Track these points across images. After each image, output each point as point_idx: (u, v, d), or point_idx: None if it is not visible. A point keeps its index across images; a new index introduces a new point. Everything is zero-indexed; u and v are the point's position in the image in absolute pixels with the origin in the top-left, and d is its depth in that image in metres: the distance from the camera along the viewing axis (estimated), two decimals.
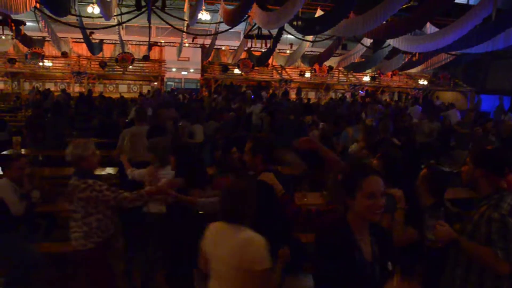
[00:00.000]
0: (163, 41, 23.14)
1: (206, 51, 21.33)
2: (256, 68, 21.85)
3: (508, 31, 10.02)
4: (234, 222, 2.59)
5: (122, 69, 21.03)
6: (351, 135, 7.45)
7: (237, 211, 2.59)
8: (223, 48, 23.39)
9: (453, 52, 14.43)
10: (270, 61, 21.40)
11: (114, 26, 14.65)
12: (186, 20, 14.17)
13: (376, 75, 23.45)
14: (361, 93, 22.98)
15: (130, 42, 22.33)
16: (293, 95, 21.37)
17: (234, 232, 2.55)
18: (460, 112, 15.23)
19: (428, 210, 2.95)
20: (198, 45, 22.08)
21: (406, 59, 18.34)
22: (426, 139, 9.92)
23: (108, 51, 22.33)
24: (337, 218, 2.16)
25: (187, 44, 21.92)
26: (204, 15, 14.35)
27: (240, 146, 6.55)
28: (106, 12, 11.21)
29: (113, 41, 21.46)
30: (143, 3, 10.65)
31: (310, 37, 17.25)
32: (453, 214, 3.16)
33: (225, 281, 2.56)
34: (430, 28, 13.24)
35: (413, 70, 21.50)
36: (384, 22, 11.24)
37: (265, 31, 15.10)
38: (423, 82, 23.98)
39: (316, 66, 21.44)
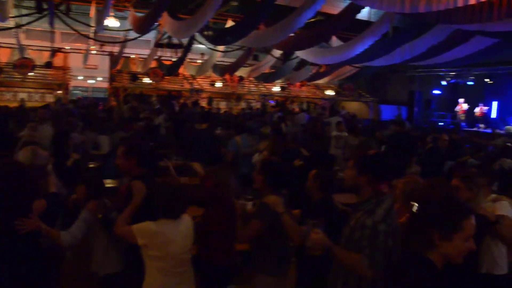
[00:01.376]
0: (68, 47, 21.92)
1: (114, 59, 20.56)
2: (166, 77, 21.49)
3: (403, 47, 10.82)
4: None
5: (21, 76, 19.57)
6: (239, 143, 7.83)
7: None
8: (133, 56, 22.71)
9: (357, 65, 15.30)
10: (180, 70, 21.17)
11: (10, 28, 13.58)
12: (92, 26, 13.56)
13: (285, 86, 24.13)
14: (271, 102, 23.51)
15: (30, 47, 20.79)
16: (203, 105, 21.31)
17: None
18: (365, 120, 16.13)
19: (311, 214, 3.03)
20: (106, 53, 21.21)
21: (314, 71, 19.13)
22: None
23: (4, 56, 20.63)
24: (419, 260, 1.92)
25: (94, 52, 20.95)
26: (112, 22, 13.84)
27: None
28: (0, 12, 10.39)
29: (11, 45, 19.85)
30: (44, 6, 10.03)
31: (221, 47, 17.36)
32: (338, 213, 3.49)
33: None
34: (335, 41, 13.93)
35: (320, 81, 22.49)
36: (292, 34, 11.62)
37: (175, 40, 14.95)
38: (330, 92, 25.09)
39: (227, 76, 21.58)
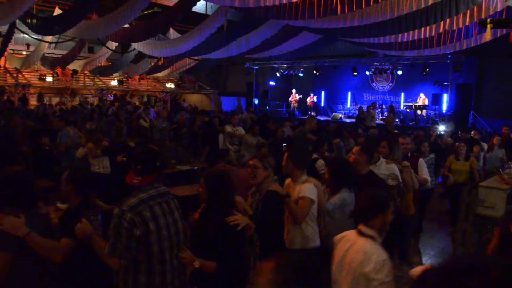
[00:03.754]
0: None
1: None
2: None
3: (239, 40, 11.21)
4: None
5: None
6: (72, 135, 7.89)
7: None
8: None
9: (195, 57, 15.39)
10: (1, 63, 18.89)
11: None
12: None
13: (124, 79, 23.21)
14: (110, 97, 22.40)
15: None
16: (33, 101, 19.41)
17: None
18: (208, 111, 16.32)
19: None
20: None
21: (153, 63, 18.74)
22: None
23: None
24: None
25: None
26: None
27: None
28: None
29: None
30: None
31: (49, 38, 15.93)
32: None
33: None
34: (173, 34, 13.81)
35: (160, 74, 22.11)
36: (128, 26, 11.19)
37: None
38: (170, 85, 24.89)
39: (59, 70, 19.88)
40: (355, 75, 18.71)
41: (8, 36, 13.38)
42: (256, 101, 22.24)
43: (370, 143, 5.27)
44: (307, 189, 3.62)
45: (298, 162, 3.77)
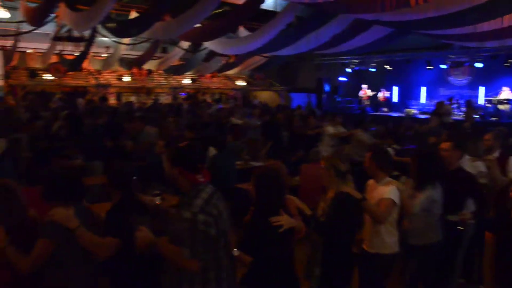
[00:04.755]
0: None
1: (7, 54, 19.00)
2: (69, 73, 20.25)
3: (308, 36, 11.12)
4: None
5: None
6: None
7: None
8: (30, 51, 21.12)
9: (265, 54, 15.50)
10: (85, 65, 20.09)
11: None
12: None
13: (196, 77, 23.88)
14: (182, 95, 23.16)
15: None
16: (113, 101, 20.47)
17: None
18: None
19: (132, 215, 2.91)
20: None
21: (224, 61, 19.09)
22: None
23: None
24: None
25: None
26: (2, 12, 12.71)
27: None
28: None
29: None
30: None
31: (126, 40, 16.73)
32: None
33: None
34: (243, 32, 13.99)
35: (231, 72, 22.49)
36: (199, 25, 11.48)
37: (76, 33, 14.13)
38: (241, 82, 25.23)
39: (135, 70, 20.86)
40: (430, 69, 17.89)
41: (90, 40, 14.24)
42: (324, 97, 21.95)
43: (464, 139, 5.11)
44: (390, 191, 3.63)
45: (381, 163, 3.78)
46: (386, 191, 3.63)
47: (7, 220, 2.84)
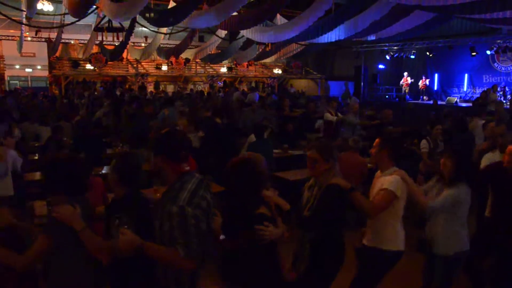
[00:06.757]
0: None
1: (52, 45, 19.64)
2: (109, 62, 20.76)
3: (347, 23, 10.94)
4: None
5: None
6: (167, 115, 9.09)
7: None
8: (72, 42, 21.76)
9: (302, 42, 15.35)
10: (124, 55, 20.52)
11: None
12: (23, 11, 12.80)
13: (232, 66, 23.97)
14: (219, 84, 23.33)
15: None
16: (151, 89, 20.85)
17: None
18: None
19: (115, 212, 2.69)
20: (43, 39, 20.18)
21: (260, 50, 19.06)
22: None
23: None
24: None
25: (29, 38, 19.87)
26: (46, 6, 13.13)
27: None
28: None
29: None
30: None
31: (164, 29, 16.94)
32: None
33: None
34: (280, 19, 13.90)
35: (267, 60, 22.46)
36: (236, 13, 11.48)
37: (116, 24, 14.42)
38: (277, 71, 25.16)
39: (173, 59, 21.13)
40: (474, 55, 17.24)
41: (130, 30, 14.50)
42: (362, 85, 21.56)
43: None
44: (391, 181, 3.29)
45: (392, 152, 3.43)
46: (387, 181, 3.30)
47: None
